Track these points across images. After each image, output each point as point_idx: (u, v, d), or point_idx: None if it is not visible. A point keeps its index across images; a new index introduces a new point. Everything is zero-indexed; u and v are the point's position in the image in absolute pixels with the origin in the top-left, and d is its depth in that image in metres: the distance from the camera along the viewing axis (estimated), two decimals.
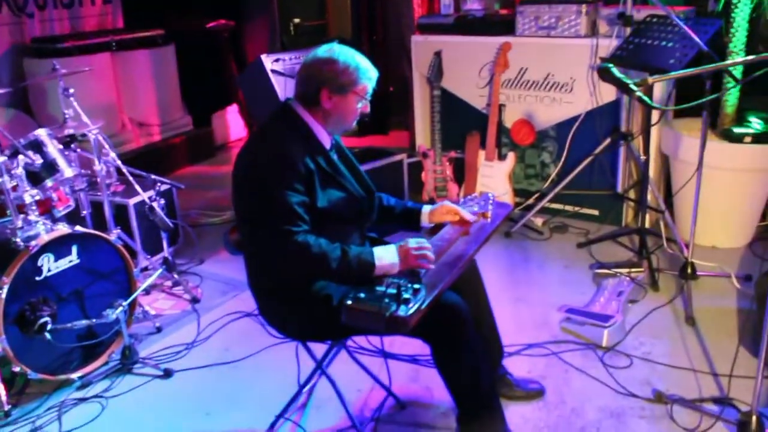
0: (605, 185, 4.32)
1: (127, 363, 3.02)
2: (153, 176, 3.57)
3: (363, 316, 1.94)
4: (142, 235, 3.88)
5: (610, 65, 1.90)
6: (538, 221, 4.44)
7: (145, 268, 3.78)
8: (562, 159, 4.41)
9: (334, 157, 2.26)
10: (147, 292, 3.75)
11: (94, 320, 2.90)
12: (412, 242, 2.10)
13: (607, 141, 4.06)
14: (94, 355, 3.06)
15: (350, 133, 7.13)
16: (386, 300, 1.93)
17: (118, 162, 3.45)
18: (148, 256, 3.71)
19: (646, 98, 1.81)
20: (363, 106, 2.23)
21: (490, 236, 2.47)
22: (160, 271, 3.44)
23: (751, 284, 3.44)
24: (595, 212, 4.42)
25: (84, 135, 3.34)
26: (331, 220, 2.18)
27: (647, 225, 3.79)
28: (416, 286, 1.99)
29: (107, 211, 3.44)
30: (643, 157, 3.73)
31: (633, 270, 3.55)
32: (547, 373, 2.87)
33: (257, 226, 2.09)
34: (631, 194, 4.29)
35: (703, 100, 2.05)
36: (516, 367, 2.84)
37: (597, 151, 4.10)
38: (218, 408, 2.77)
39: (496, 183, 4.40)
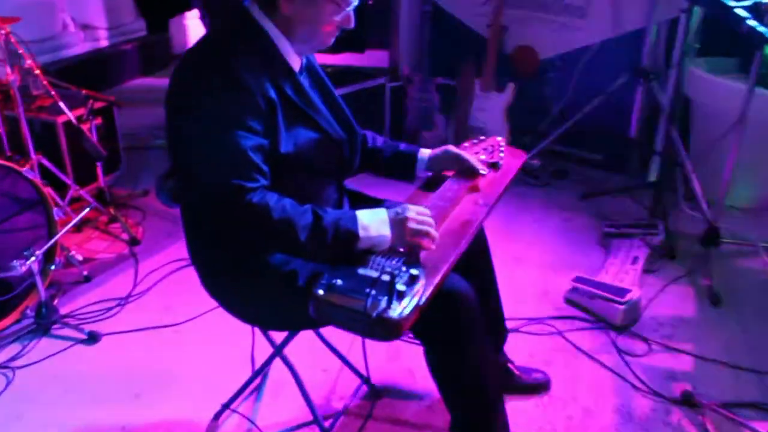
0: (616, 128, 3.79)
1: (43, 323, 2.47)
2: (84, 92, 2.92)
3: (339, 313, 1.40)
4: (74, 161, 3.25)
5: None
6: (536, 164, 3.91)
7: (78, 199, 3.16)
8: (568, 94, 3.84)
9: (305, 83, 1.66)
10: (78, 229, 3.16)
11: None
12: (411, 211, 1.55)
13: (624, 78, 3.49)
14: (5, 311, 2.50)
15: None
16: (373, 291, 1.39)
17: (38, 71, 2.78)
18: (77, 187, 3.07)
19: (762, 28, 1.26)
20: (343, 18, 1.61)
21: (503, 195, 1.94)
22: (86, 210, 2.84)
23: None
24: (601, 157, 3.90)
25: None
26: (299, 170, 1.62)
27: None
28: (414, 271, 1.46)
29: (25, 132, 2.80)
30: (666, 100, 3.20)
31: (648, 231, 3.06)
32: (552, 357, 2.40)
33: (196, 178, 1.52)
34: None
35: None
36: (515, 348, 2.37)
37: (611, 88, 3.54)
38: (151, 387, 2.25)
39: (491, 117, 3.84)
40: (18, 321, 2.52)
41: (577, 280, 2.71)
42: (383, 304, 1.37)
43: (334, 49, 6.45)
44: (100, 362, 2.37)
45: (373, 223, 1.53)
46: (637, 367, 2.35)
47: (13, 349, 2.41)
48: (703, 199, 3.21)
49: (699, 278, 2.86)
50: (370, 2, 6.47)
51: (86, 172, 3.27)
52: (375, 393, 2.21)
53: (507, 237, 3.21)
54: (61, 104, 2.78)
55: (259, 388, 2.24)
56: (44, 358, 2.37)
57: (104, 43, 5.41)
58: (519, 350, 2.40)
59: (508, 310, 2.55)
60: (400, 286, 1.40)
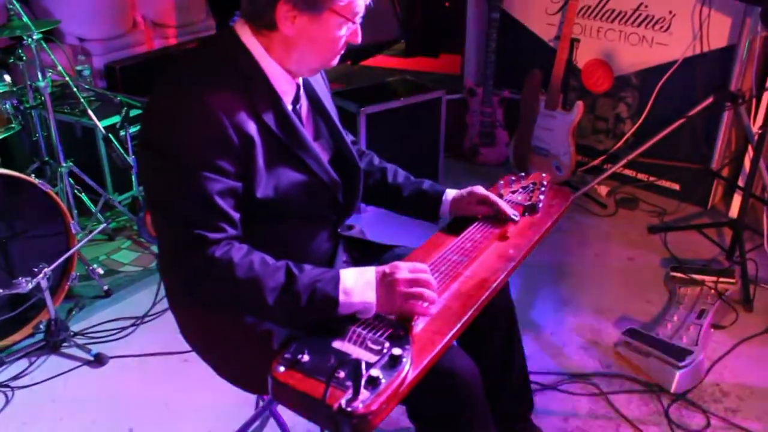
0: (694, 156, 3.40)
1: (52, 340, 2.38)
2: (119, 97, 2.83)
3: (296, 397, 1.19)
4: (113, 169, 3.17)
5: None
6: (602, 190, 3.58)
7: (111, 208, 3.09)
8: (643, 115, 3.49)
9: (293, 117, 1.42)
10: (110, 237, 3.09)
11: (1, 291, 2.22)
12: (403, 271, 1.32)
13: (709, 100, 3.11)
14: (18, 325, 2.43)
15: (394, 52, 6.26)
16: (341, 374, 1.18)
17: (66, 77, 2.69)
18: (108, 196, 2.98)
19: None
20: (350, 32, 1.40)
21: (535, 246, 1.68)
22: (101, 225, 2.74)
23: None
24: (676, 187, 3.53)
25: (23, 40, 2.58)
26: (282, 217, 1.42)
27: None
28: (396, 350, 1.23)
29: (55, 137, 2.72)
30: (756, 130, 2.81)
31: (721, 279, 2.70)
32: (590, 425, 2.10)
33: (156, 223, 1.34)
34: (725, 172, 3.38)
35: None
36: (548, 409, 2.10)
37: (693, 112, 3.17)
38: (146, 423, 2.11)
39: (556, 138, 3.53)
40: (31, 335, 2.45)
41: (629, 333, 2.39)
42: (349, 393, 1.15)
43: (409, 52, 6.10)
44: (101, 388, 2.26)
45: (357, 285, 1.31)
46: None
47: (20, 365, 2.33)
48: None
49: None
50: (447, 4, 6.24)
51: (124, 180, 3.19)
52: None
53: (557, 274, 2.91)
54: (89, 110, 2.68)
55: None
56: (46, 379, 2.28)
57: (173, 41, 5.40)
58: (552, 412, 2.12)
59: (546, 361, 2.31)
60: (375, 371, 1.18)
